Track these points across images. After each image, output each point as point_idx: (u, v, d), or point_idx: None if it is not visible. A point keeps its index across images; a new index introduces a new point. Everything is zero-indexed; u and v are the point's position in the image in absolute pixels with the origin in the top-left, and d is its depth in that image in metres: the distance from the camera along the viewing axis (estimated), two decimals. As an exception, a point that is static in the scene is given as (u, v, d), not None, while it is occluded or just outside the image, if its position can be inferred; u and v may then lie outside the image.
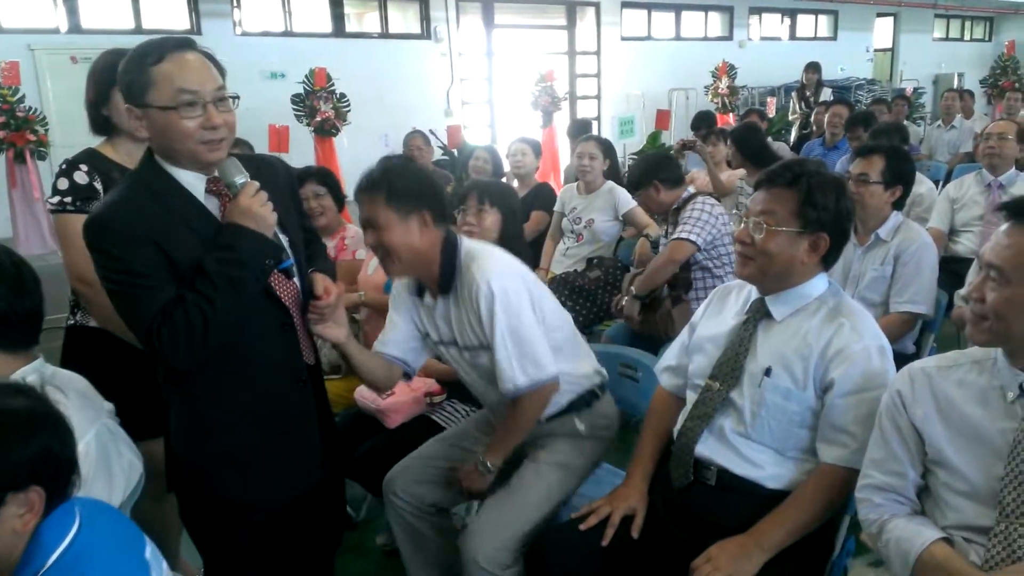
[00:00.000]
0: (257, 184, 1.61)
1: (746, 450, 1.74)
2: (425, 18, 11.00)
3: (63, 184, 2.11)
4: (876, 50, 16.56)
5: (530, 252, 2.93)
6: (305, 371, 1.76)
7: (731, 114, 10.81)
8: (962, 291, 1.53)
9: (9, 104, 6.53)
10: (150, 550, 1.27)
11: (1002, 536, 1.38)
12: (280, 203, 1.65)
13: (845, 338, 1.68)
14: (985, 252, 1.43)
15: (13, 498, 1.12)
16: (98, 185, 2.11)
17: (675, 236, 3.27)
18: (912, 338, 2.92)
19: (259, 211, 1.58)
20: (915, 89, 13.12)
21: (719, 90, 11.72)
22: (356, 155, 8.29)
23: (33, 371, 1.53)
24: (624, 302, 3.43)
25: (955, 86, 14.60)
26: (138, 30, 8.95)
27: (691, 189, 3.57)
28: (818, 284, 1.79)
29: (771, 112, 9.94)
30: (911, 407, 1.52)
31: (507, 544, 1.91)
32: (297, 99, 7.71)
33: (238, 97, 1.61)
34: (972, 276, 1.80)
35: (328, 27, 10.09)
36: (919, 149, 6.88)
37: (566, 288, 3.88)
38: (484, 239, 2.64)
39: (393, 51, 10.59)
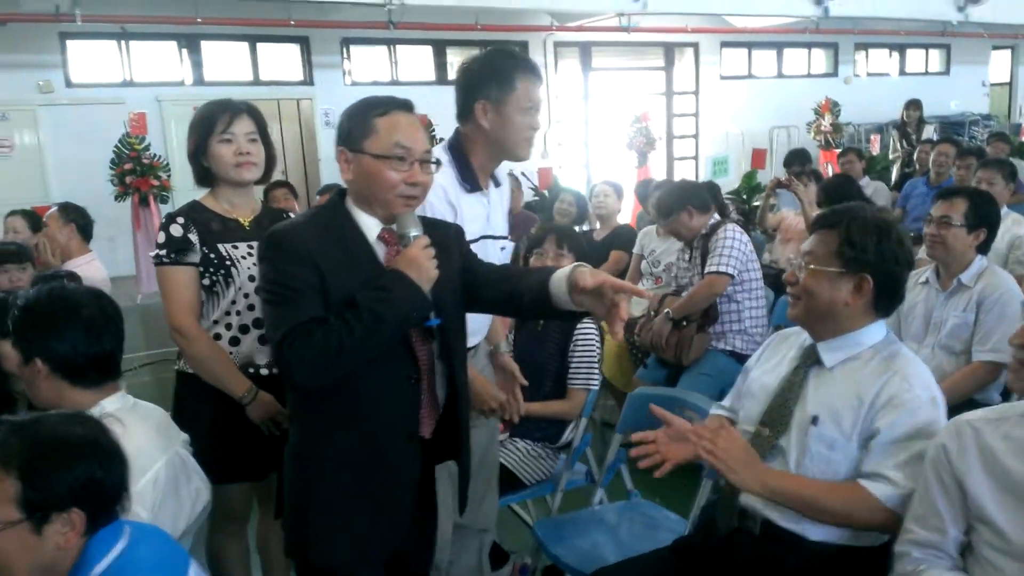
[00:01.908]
0: (428, 239, 1.65)
1: (790, 500, 1.73)
2: (523, 63, 11.28)
3: (161, 237, 2.18)
4: (993, 84, 15.79)
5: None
6: (418, 429, 1.74)
7: (835, 151, 10.56)
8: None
9: (136, 152, 7.14)
10: (194, 571, 1.39)
11: (1045, 599, 1.33)
12: (446, 265, 1.68)
13: (895, 387, 1.66)
14: None
15: (57, 517, 1.26)
16: (193, 237, 2.16)
17: (712, 269, 3.43)
18: (997, 389, 2.79)
19: (424, 263, 1.62)
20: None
21: (821, 127, 11.49)
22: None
23: (112, 403, 1.69)
24: (655, 323, 3.61)
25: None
26: (256, 81, 9.57)
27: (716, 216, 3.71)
28: (874, 332, 1.77)
29: (875, 150, 9.67)
30: (956, 462, 1.48)
31: None
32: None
33: (439, 163, 1.74)
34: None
35: (432, 75, 10.50)
36: (1027, 187, 6.52)
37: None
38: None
39: (492, 96, 10.87)
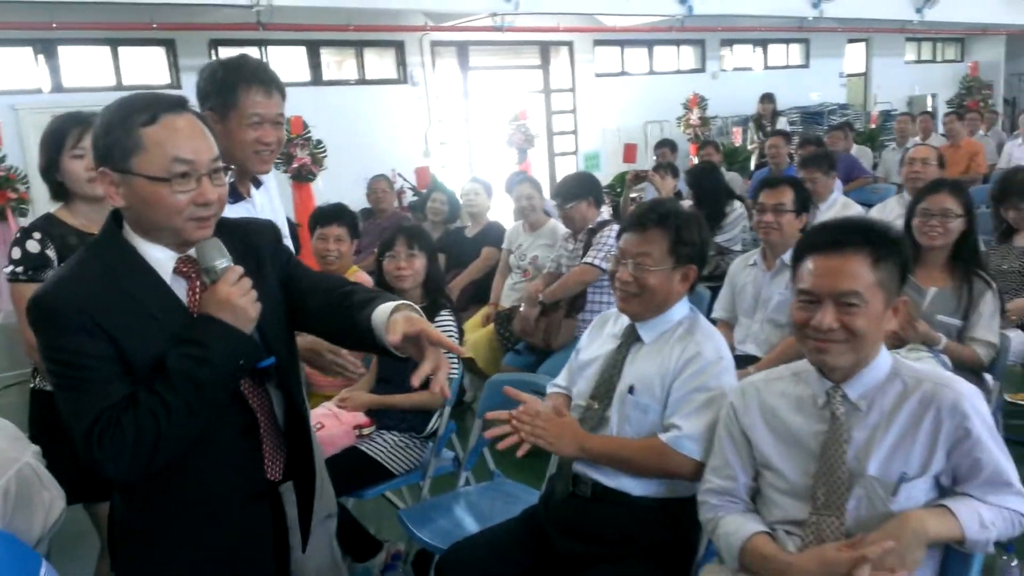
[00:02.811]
0: (240, 270, 1.41)
1: (614, 463, 1.91)
2: (402, 63, 11.29)
3: (16, 253, 2.11)
4: (849, 75, 16.87)
5: (444, 288, 3.12)
6: (264, 484, 1.54)
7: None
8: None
9: (-10, 164, 6.79)
10: (45, 570, 1.43)
11: (814, 527, 1.55)
12: (264, 288, 1.47)
13: (691, 352, 1.87)
14: (838, 285, 1.54)
15: None
16: (51, 253, 2.10)
17: (587, 260, 3.63)
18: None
19: (239, 302, 1.38)
20: (888, 112, 13.40)
21: (691, 121, 12.04)
22: (334, 198, 8.56)
23: None
24: (523, 308, 3.83)
25: (928, 107, 14.93)
26: (119, 87, 9.20)
27: (605, 213, 3.91)
28: (681, 309, 1.98)
29: (737, 141, 10.21)
30: (742, 418, 1.69)
31: None
32: (274, 147, 7.96)
33: (233, 168, 1.49)
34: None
35: (307, 76, 10.39)
36: (869, 172, 7.10)
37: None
38: (413, 282, 2.86)
39: (371, 96, 10.86)
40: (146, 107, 1.36)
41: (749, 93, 13.26)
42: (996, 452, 1.50)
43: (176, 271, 1.42)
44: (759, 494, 1.69)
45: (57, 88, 8.84)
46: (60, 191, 2.22)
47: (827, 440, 1.56)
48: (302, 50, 10.35)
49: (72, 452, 1.86)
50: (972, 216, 2.76)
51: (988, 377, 2.71)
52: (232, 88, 1.88)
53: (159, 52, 9.44)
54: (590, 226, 3.83)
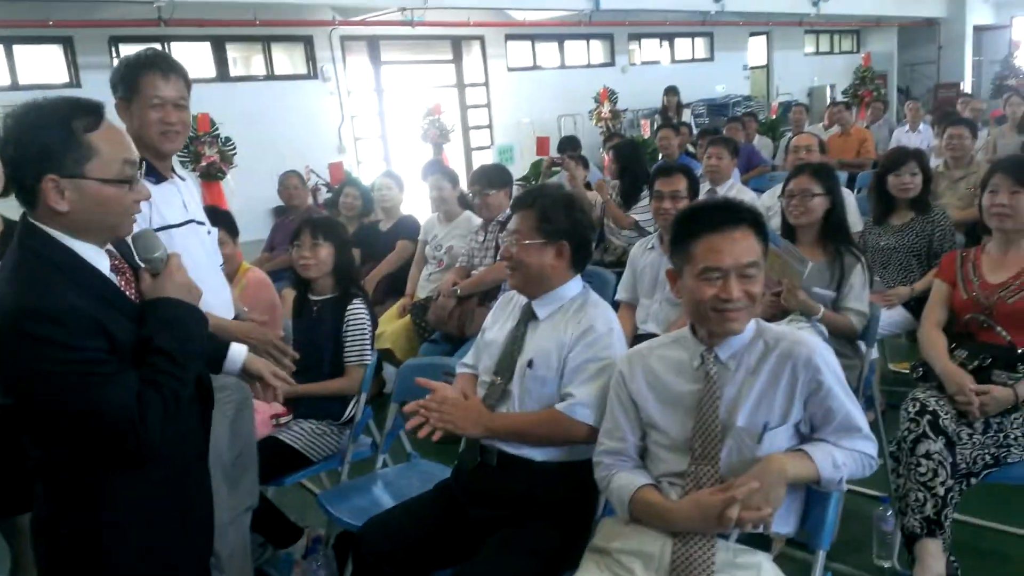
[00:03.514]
0: (180, 254, 1.58)
1: (516, 432, 2.05)
2: (311, 59, 11.19)
3: None
4: (752, 68, 17.52)
5: (356, 278, 3.19)
6: (205, 445, 1.74)
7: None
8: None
9: None
10: None
11: (693, 476, 1.72)
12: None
13: (584, 325, 2.03)
14: (734, 258, 1.71)
15: None
16: None
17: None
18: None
19: (189, 283, 1.56)
20: (789, 103, 13.99)
21: (602, 114, 12.34)
22: (247, 196, 8.48)
23: None
24: (440, 300, 4.01)
25: (828, 97, 15.65)
26: (15, 86, 8.88)
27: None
28: (573, 286, 2.13)
29: (646, 133, 10.53)
30: (629, 383, 1.85)
31: None
32: (181, 145, 7.83)
33: (142, 164, 1.53)
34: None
35: (212, 72, 10.20)
36: (768, 161, 7.47)
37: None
38: (319, 271, 2.94)
39: (280, 92, 10.73)
40: (83, 113, 1.43)
41: (658, 86, 13.64)
42: (846, 401, 1.70)
43: (112, 267, 1.52)
44: (647, 452, 1.86)
45: (-53, 87, 8.46)
46: None
47: (702, 398, 1.74)
48: (207, 46, 10.16)
49: None
50: (835, 195, 3.03)
51: (861, 344, 2.97)
52: (134, 75, 2.08)
53: (56, 50, 9.13)
54: (500, 218, 3.97)
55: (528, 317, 2.14)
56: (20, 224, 1.48)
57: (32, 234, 1.45)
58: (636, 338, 3.20)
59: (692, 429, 1.73)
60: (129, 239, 1.60)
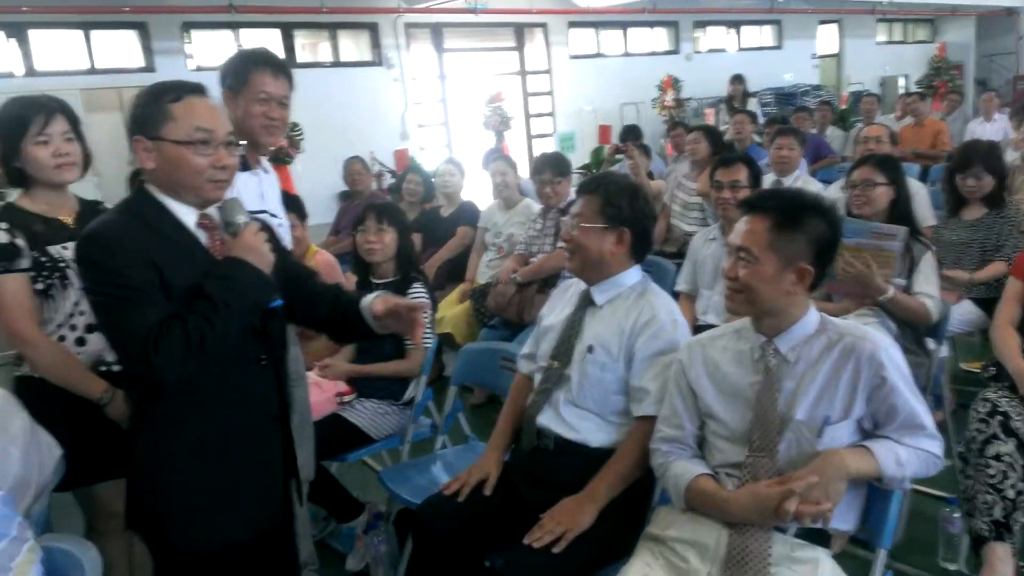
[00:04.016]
0: (259, 224, 1.72)
1: (574, 417, 2.08)
2: (376, 46, 11.32)
3: None
4: (822, 56, 17.08)
5: (417, 263, 3.25)
6: (276, 407, 1.80)
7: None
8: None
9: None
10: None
11: (750, 467, 1.72)
12: (274, 250, 1.75)
13: (646, 315, 2.04)
14: (733, 239, 1.78)
15: None
16: (20, 242, 2.08)
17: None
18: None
19: (261, 248, 1.68)
20: (859, 92, 13.60)
21: (666, 103, 12.20)
22: (314, 181, 8.65)
23: None
24: (500, 286, 4.04)
25: (900, 88, 15.17)
26: (92, 70, 9.20)
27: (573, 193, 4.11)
28: (632, 274, 2.14)
29: (710, 122, 10.38)
30: (688, 371, 1.86)
31: None
32: (250, 130, 8.02)
33: (244, 144, 1.75)
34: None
35: (281, 58, 10.41)
36: (835, 152, 7.30)
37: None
38: (383, 255, 3.00)
39: (346, 79, 10.88)
40: (173, 89, 1.66)
41: (723, 74, 13.42)
42: (911, 398, 1.68)
43: (198, 224, 1.70)
44: (704, 441, 1.86)
45: (30, 72, 8.81)
46: (19, 178, 2.16)
47: (761, 389, 1.74)
48: (275, 33, 10.35)
49: (60, 439, 1.93)
50: (899, 185, 2.97)
51: (930, 341, 2.91)
52: (245, 69, 2.21)
53: (131, 35, 9.43)
54: (560, 205, 3.99)
55: (586, 303, 2.16)
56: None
57: (136, 192, 1.71)
58: (696, 329, 3.19)
59: (751, 421, 1.73)
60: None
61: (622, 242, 2.09)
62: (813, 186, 4.59)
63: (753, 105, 9.55)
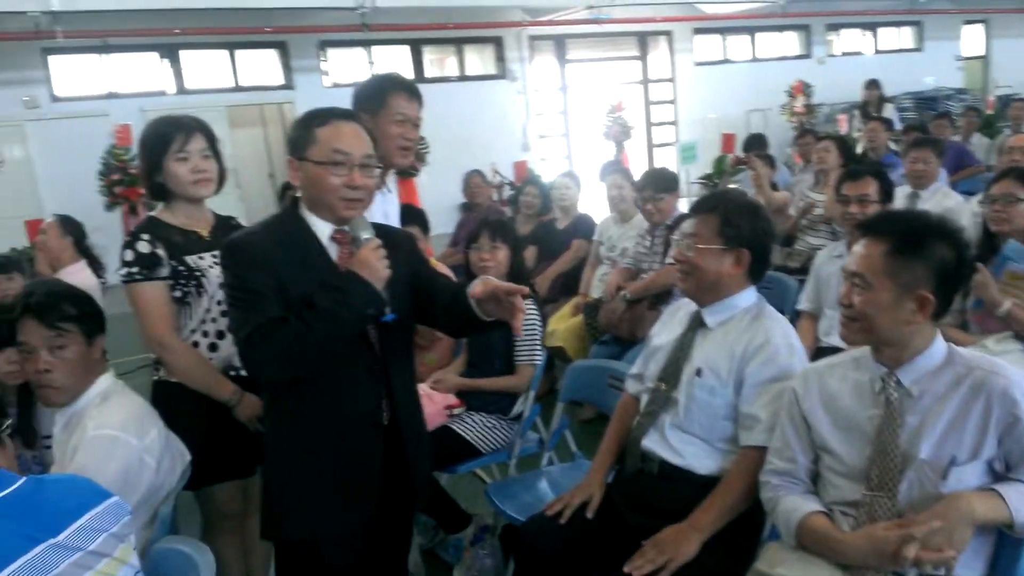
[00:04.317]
0: (379, 241, 1.81)
1: (680, 441, 2.02)
2: (501, 59, 11.51)
3: (129, 255, 2.20)
4: (966, 58, 16.02)
5: (528, 279, 3.26)
6: (382, 416, 1.88)
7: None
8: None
9: (123, 163, 7.40)
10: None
11: (867, 507, 1.62)
12: (396, 266, 1.82)
13: (760, 340, 1.96)
14: (848, 264, 1.69)
15: None
16: (161, 252, 2.19)
17: (670, 262, 3.62)
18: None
19: (375, 264, 1.76)
20: (1008, 97, 12.67)
21: (795, 109, 11.76)
22: (438, 192, 8.87)
23: (106, 380, 2.01)
24: (611, 303, 3.98)
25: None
26: (237, 88, 9.81)
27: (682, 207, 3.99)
28: (747, 296, 2.07)
29: (843, 129, 9.92)
30: (802, 402, 1.77)
31: None
32: (379, 143, 8.33)
33: (382, 167, 1.91)
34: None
35: (410, 74, 10.74)
36: (979, 160, 6.81)
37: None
38: (497, 272, 3.04)
39: (471, 92, 11.12)
40: (323, 115, 1.83)
41: (858, 79, 12.83)
42: None
43: (332, 238, 1.85)
44: (818, 476, 1.77)
45: (181, 90, 9.50)
46: (161, 192, 2.29)
47: (881, 424, 1.63)
48: (405, 49, 10.72)
49: (190, 440, 2.12)
50: None
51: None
52: (382, 92, 2.32)
53: (272, 54, 9.99)
54: (668, 222, 3.91)
55: (697, 324, 2.10)
56: None
57: (288, 207, 1.90)
58: (817, 351, 3.05)
59: (868, 456, 1.63)
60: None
61: (740, 263, 2.02)
62: (953, 199, 4.30)
63: (889, 111, 9.04)
